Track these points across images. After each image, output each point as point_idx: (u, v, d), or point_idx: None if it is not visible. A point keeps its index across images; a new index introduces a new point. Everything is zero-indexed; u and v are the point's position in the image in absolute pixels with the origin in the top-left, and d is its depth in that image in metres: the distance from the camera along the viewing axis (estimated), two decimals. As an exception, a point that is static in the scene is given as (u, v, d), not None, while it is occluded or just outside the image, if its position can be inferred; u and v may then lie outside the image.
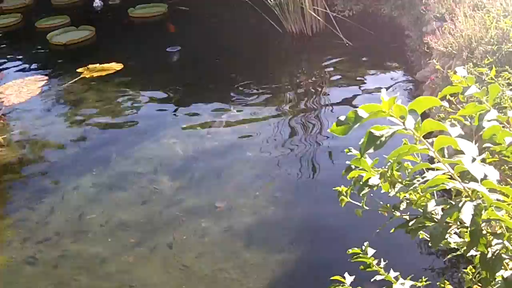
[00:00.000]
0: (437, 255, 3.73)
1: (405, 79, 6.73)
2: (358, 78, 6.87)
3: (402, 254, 3.71)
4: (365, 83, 6.74)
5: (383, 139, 1.07)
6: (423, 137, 1.18)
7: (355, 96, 6.38)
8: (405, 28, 7.53)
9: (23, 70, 8.23)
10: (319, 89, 6.83)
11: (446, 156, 1.23)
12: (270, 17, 8.19)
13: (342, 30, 7.63)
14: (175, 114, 6.40)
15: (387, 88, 6.09)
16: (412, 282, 1.80)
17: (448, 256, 2.07)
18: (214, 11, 9.91)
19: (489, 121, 1.48)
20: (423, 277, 1.86)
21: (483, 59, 4.31)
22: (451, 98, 2.69)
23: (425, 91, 5.54)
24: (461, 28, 5.15)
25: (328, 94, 6.66)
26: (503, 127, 1.49)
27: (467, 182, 1.22)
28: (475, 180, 1.15)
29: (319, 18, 8.05)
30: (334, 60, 7.57)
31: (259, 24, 8.45)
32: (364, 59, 7.39)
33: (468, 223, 1.17)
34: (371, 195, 1.59)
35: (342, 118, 1.08)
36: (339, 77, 7.04)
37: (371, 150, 1.09)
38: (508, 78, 3.53)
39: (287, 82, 7.25)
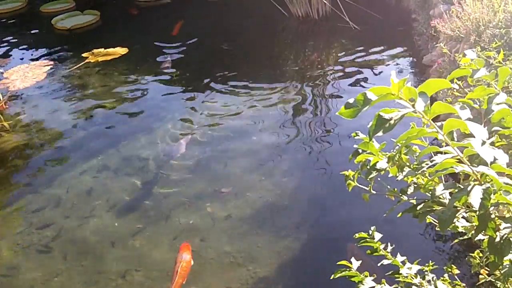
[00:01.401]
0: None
1: (412, 63, 6.69)
2: (364, 62, 6.83)
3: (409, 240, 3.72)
4: (371, 67, 6.69)
5: (392, 122, 1.06)
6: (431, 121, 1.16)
7: (361, 80, 6.35)
8: (412, 11, 7.47)
9: (28, 55, 8.22)
10: (325, 73, 6.79)
11: (455, 139, 1.21)
12: (275, 0, 8.13)
13: (349, 13, 7.57)
14: (180, 99, 6.38)
15: (393, 72, 6.04)
16: (419, 267, 1.80)
17: (455, 241, 2.06)
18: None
19: (498, 104, 1.46)
20: (430, 261, 1.85)
21: (491, 43, 4.27)
22: (458, 83, 2.67)
23: (432, 75, 5.50)
24: (468, 11, 5.10)
25: (334, 79, 6.61)
26: (512, 110, 1.47)
27: (476, 165, 1.21)
28: (485, 163, 1.13)
29: (325, 1, 7.99)
30: (340, 44, 7.52)
31: (264, 7, 8.39)
32: (370, 42, 7.33)
33: (477, 207, 1.16)
34: (378, 179, 1.58)
35: (351, 100, 1.07)
36: (345, 61, 6.99)
37: (380, 133, 1.07)
38: (516, 62, 3.50)
39: (292, 66, 7.21)
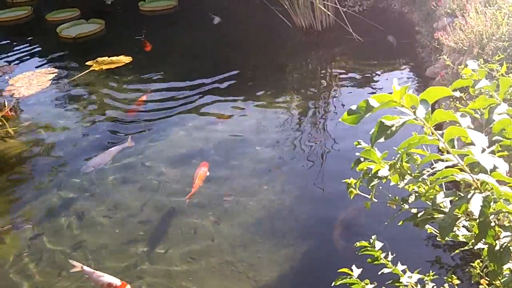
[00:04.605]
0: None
1: (415, 75, 6.71)
2: (367, 74, 6.86)
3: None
4: (374, 78, 6.72)
5: (393, 128, 1.07)
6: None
7: (363, 91, 6.37)
8: (415, 24, 7.51)
9: (33, 62, 8.28)
10: (328, 84, 6.82)
11: (456, 147, 1.22)
12: (279, 11, 8.19)
13: (352, 25, 7.61)
14: (184, 108, 6.40)
15: (396, 84, 6.07)
16: (419, 276, 1.80)
17: (456, 251, 2.07)
18: (222, 5, 9.95)
19: (499, 114, 1.47)
20: (431, 271, 1.86)
21: (494, 56, 4.29)
22: (461, 94, 2.68)
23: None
24: (472, 24, 5.13)
25: (336, 89, 6.65)
26: (513, 121, 1.49)
27: (476, 174, 1.22)
28: (485, 171, 1.14)
29: (329, 13, 8.03)
30: (343, 55, 7.56)
31: (268, 18, 8.45)
32: (373, 54, 7.37)
33: (477, 214, 1.17)
34: (380, 187, 1.59)
35: (354, 107, 1.09)
36: (348, 72, 7.03)
37: (381, 140, 1.09)
38: (519, 74, 3.52)
39: (296, 76, 7.24)
